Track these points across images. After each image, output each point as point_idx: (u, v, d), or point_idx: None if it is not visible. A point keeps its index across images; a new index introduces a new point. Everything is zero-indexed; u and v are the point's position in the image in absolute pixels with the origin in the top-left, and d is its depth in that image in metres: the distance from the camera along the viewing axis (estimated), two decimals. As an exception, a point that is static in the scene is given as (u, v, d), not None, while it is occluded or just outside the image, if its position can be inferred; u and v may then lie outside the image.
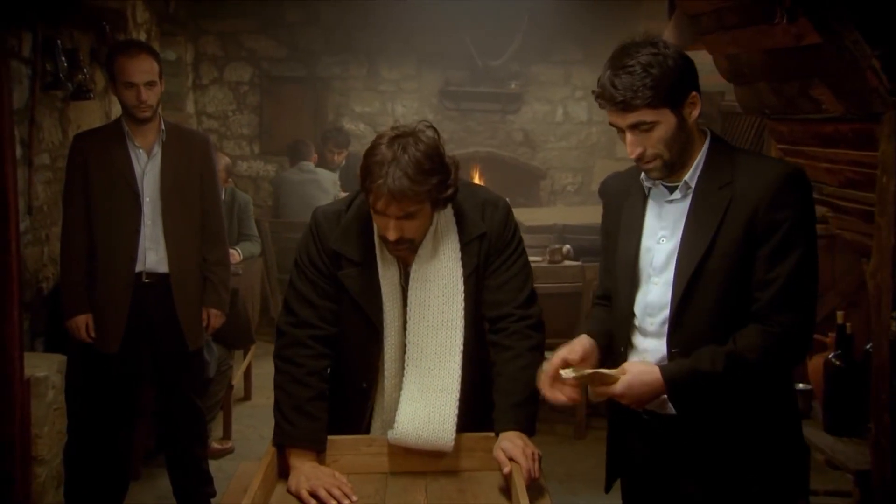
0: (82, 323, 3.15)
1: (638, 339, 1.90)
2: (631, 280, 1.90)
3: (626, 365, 1.83)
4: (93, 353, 3.19)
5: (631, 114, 1.74)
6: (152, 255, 3.18)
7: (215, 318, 3.37)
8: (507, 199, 2.17)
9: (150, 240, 3.17)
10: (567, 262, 4.56)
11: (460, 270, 2.01)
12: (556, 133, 7.36)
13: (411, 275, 2.00)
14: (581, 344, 1.93)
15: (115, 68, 3.09)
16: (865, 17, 2.17)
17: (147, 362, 3.29)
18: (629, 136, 1.78)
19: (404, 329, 2.02)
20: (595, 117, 7.23)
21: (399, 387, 2.03)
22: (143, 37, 5.12)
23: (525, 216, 6.28)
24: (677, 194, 1.84)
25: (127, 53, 3.11)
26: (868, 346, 2.56)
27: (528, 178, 7.37)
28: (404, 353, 2.02)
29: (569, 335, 4.17)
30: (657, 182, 1.85)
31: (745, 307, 1.77)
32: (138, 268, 3.16)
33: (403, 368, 2.02)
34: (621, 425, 1.97)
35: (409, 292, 2.01)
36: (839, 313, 2.72)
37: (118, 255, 3.14)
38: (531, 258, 4.92)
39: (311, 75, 7.12)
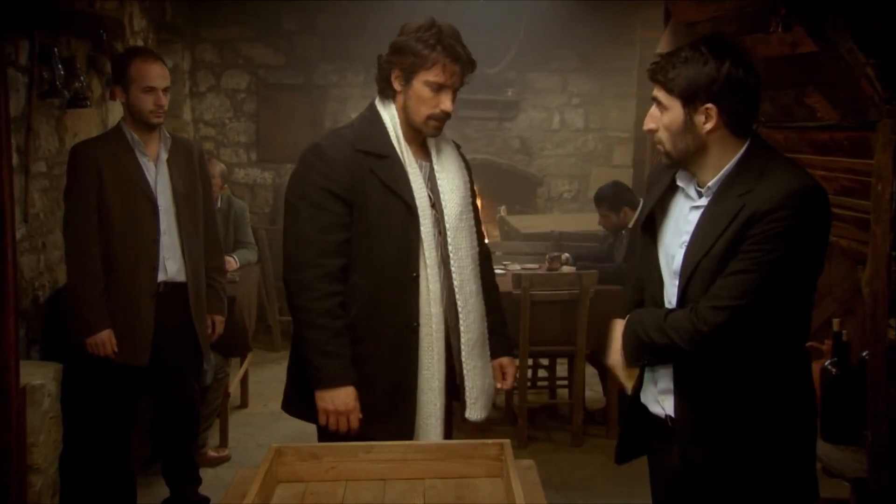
0: (107, 338, 3.05)
1: None
2: (659, 282, 1.92)
3: None
4: (107, 365, 3.10)
5: (654, 86, 1.82)
6: (171, 265, 3.16)
7: (220, 324, 3.40)
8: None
9: (168, 249, 3.14)
10: (564, 269, 4.55)
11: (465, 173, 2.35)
12: (552, 140, 7.37)
13: (436, 165, 2.28)
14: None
15: (132, 73, 3.03)
16: (860, 26, 2.19)
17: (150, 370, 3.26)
18: (652, 107, 1.84)
19: (436, 217, 2.23)
20: (591, 125, 7.17)
21: (442, 273, 2.24)
22: (140, 44, 5.12)
23: (522, 223, 6.28)
24: (703, 200, 1.82)
25: (145, 58, 3.10)
26: (864, 354, 2.57)
27: (525, 186, 7.38)
28: (443, 242, 2.25)
29: (566, 342, 4.20)
30: (687, 185, 1.87)
31: None
32: (160, 277, 3.12)
33: (446, 255, 2.25)
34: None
35: (440, 180, 2.27)
36: (835, 321, 2.72)
37: (140, 266, 3.09)
38: (528, 265, 4.92)
39: (308, 83, 7.13)
